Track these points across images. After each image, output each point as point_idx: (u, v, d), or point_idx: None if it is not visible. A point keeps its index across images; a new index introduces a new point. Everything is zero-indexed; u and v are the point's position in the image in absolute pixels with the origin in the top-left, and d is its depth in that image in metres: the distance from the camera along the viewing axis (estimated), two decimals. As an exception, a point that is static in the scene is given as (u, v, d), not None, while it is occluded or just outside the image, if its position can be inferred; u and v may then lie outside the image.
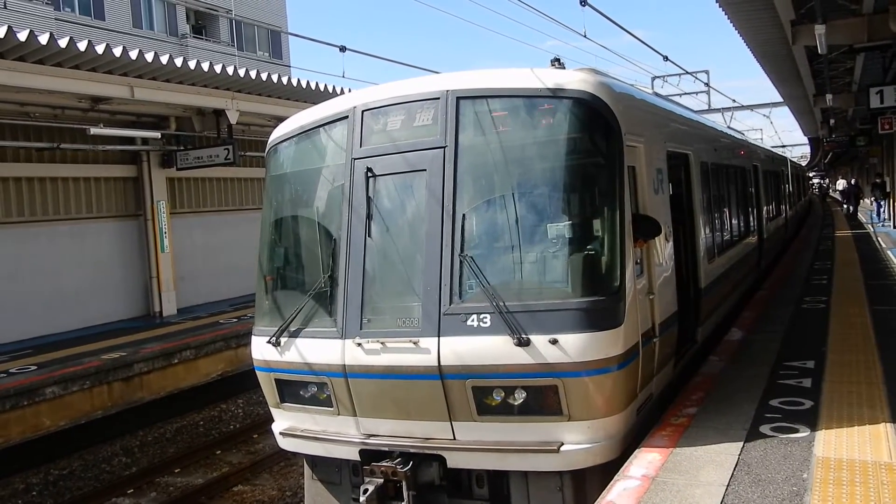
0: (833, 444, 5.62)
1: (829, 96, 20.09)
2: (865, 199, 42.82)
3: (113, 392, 12.43)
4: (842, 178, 58.30)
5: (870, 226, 29.14)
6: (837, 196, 56.75)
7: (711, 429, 6.07)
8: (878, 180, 32.72)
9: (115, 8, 35.12)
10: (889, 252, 18.92)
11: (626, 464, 5.49)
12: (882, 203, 32.15)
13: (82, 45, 12.18)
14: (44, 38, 11.68)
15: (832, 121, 27.78)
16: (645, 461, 5.47)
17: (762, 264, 15.88)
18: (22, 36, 11.41)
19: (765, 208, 16.84)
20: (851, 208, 36.65)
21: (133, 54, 13.00)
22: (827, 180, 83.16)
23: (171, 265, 17.96)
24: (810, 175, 67.03)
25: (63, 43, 11.94)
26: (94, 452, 12.02)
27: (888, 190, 31.11)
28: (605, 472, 5.54)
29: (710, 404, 6.74)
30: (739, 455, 5.47)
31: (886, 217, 31.35)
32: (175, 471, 11.14)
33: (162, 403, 13.41)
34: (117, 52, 12.74)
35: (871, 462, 5.24)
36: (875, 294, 12.45)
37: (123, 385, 12.61)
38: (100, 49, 12.45)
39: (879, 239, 23.02)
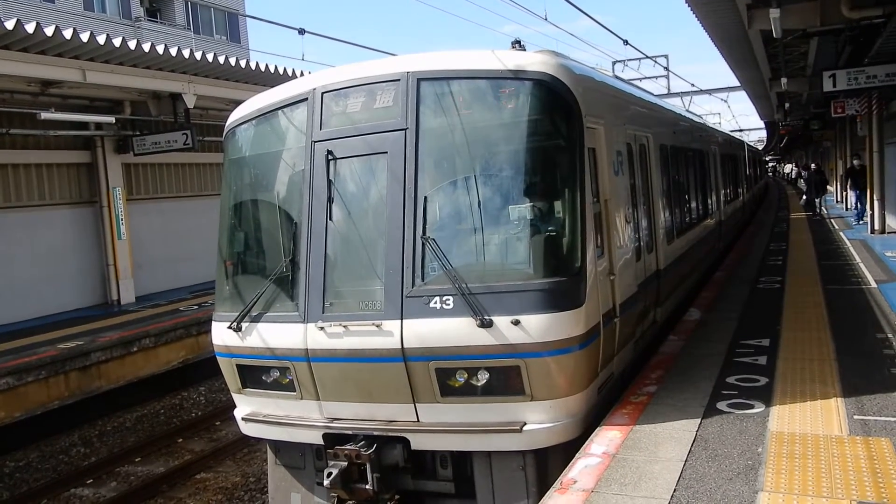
0: (787, 418, 5.77)
1: (784, 80, 20.43)
2: (832, 187, 35.72)
3: (70, 382, 12.20)
4: (790, 164, 55.42)
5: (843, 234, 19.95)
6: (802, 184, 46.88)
7: (670, 406, 6.19)
8: (856, 162, 23.21)
9: (65, -11, 34.09)
10: (842, 234, 19.41)
11: (587, 442, 5.57)
12: (860, 195, 22.99)
13: (30, 27, 11.79)
14: (-10, 21, 11.30)
15: (787, 105, 28.29)
16: (606, 439, 5.56)
17: (720, 246, 16.18)
18: (-33, 17, 11.03)
19: (723, 191, 17.15)
20: (817, 201, 26.63)
21: (84, 37, 12.62)
22: (788, 164, 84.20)
23: (129, 252, 17.62)
24: (767, 158, 68.35)
25: (10, 25, 11.53)
26: (52, 443, 11.82)
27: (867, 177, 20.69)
28: (568, 450, 5.61)
29: (669, 382, 6.87)
30: (697, 431, 5.59)
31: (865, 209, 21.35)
32: (136, 460, 11.01)
33: (121, 392, 13.21)
34: (67, 34, 12.35)
35: (822, 435, 5.39)
36: (828, 274, 12.78)
37: (80, 374, 12.38)
38: (49, 31, 12.08)
39: (833, 222, 23.57)
